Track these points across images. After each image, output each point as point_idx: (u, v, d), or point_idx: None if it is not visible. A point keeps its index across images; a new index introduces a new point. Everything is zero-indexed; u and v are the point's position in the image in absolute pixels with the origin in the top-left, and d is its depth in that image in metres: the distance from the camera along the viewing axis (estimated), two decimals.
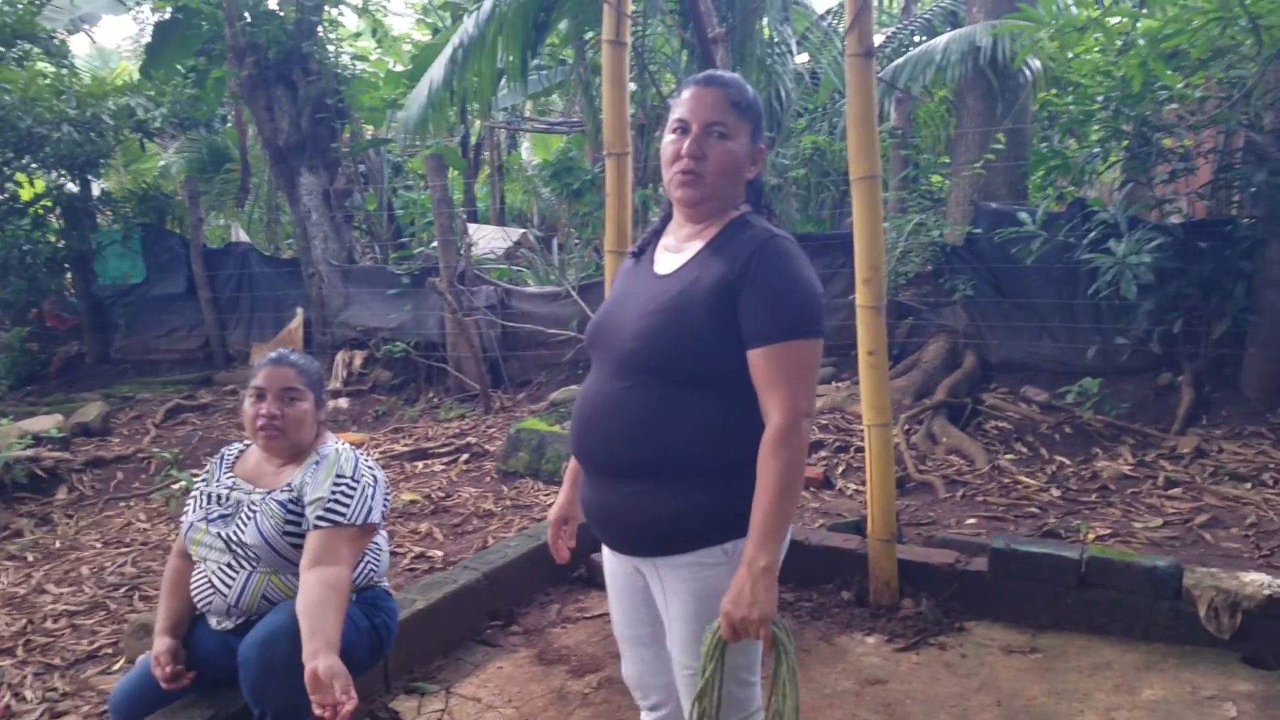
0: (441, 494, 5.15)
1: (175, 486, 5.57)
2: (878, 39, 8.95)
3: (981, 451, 5.00)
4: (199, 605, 2.43)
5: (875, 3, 9.11)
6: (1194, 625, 3.09)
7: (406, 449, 6.14)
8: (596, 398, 1.81)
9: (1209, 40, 4.53)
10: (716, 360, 1.69)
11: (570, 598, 3.75)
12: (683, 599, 1.74)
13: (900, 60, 7.09)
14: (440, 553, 4.23)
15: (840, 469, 5.00)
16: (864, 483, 3.50)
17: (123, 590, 4.09)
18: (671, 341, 1.70)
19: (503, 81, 7.92)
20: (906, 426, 5.32)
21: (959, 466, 4.92)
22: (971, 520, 4.22)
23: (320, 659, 2.02)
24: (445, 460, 5.92)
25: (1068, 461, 4.85)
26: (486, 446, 6.03)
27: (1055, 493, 4.49)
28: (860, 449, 5.04)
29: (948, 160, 7.00)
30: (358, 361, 8.09)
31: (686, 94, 1.78)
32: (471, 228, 9.25)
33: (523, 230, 10.80)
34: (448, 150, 9.50)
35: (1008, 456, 4.99)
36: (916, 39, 8.21)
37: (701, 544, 1.71)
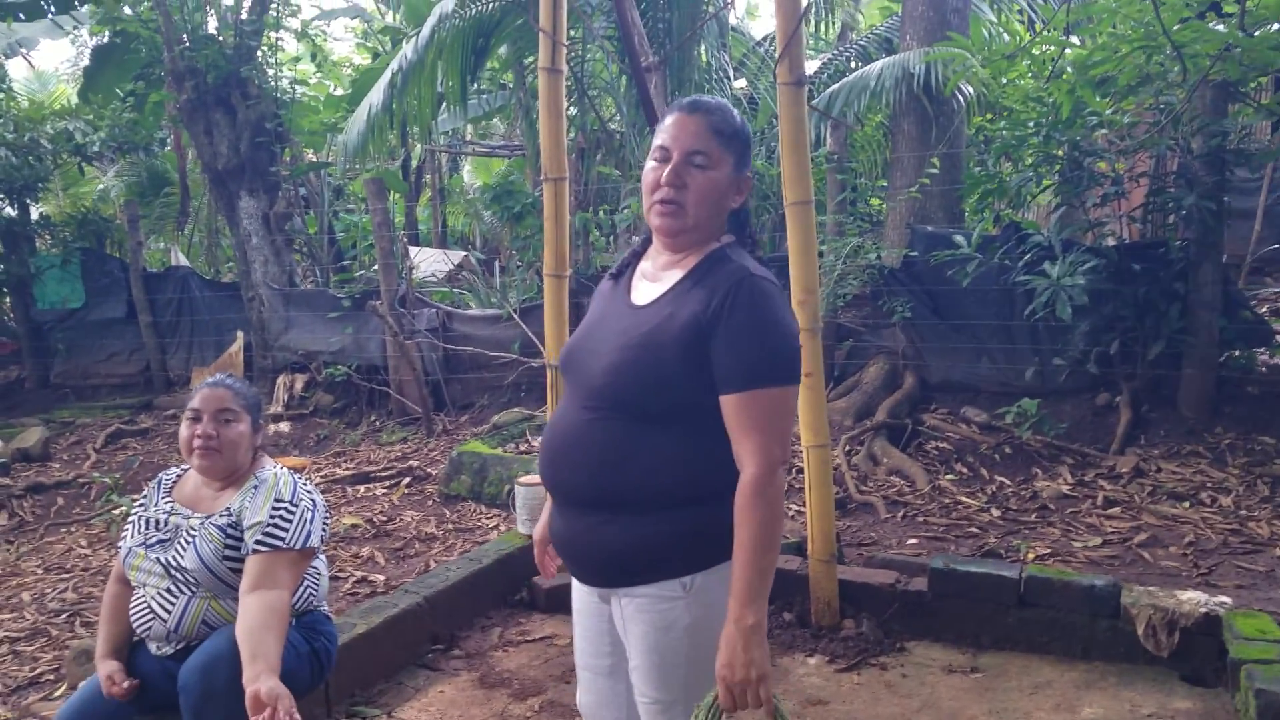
0: (384, 518, 5.10)
1: (116, 512, 5.48)
2: (814, 65, 9.12)
3: (922, 472, 5.07)
4: (138, 630, 2.42)
5: (811, 30, 9.28)
6: (1133, 644, 3.14)
7: (348, 473, 6.07)
8: (565, 426, 1.78)
9: (1136, 68, 4.66)
10: (683, 397, 1.66)
11: (512, 620, 3.74)
12: (641, 629, 1.72)
13: (836, 86, 7.22)
14: (382, 577, 4.19)
15: None
16: (804, 504, 3.54)
17: (64, 616, 4.03)
18: (639, 379, 1.67)
19: (443, 105, 7.92)
20: (848, 447, 5.38)
21: (900, 487, 4.98)
22: (913, 540, 4.26)
23: (262, 681, 2.01)
24: (387, 484, 5.87)
25: (1008, 481, 4.93)
26: (429, 470, 5.99)
27: (995, 513, 4.56)
28: (800, 470, 5.09)
29: (885, 184, 7.14)
30: (299, 385, 7.99)
31: (669, 120, 1.72)
32: (413, 250, 9.20)
33: (465, 253, 10.78)
34: (388, 174, 9.47)
35: (948, 477, 5.07)
36: (853, 65, 8.38)
37: (660, 576, 1.68)
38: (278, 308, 8.20)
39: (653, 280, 1.79)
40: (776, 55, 3.19)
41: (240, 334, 8.49)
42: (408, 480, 5.86)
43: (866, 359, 6.14)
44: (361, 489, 5.80)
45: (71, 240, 9.62)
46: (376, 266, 7.39)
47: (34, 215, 9.91)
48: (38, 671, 3.46)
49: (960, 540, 4.27)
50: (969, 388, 5.84)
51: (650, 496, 1.68)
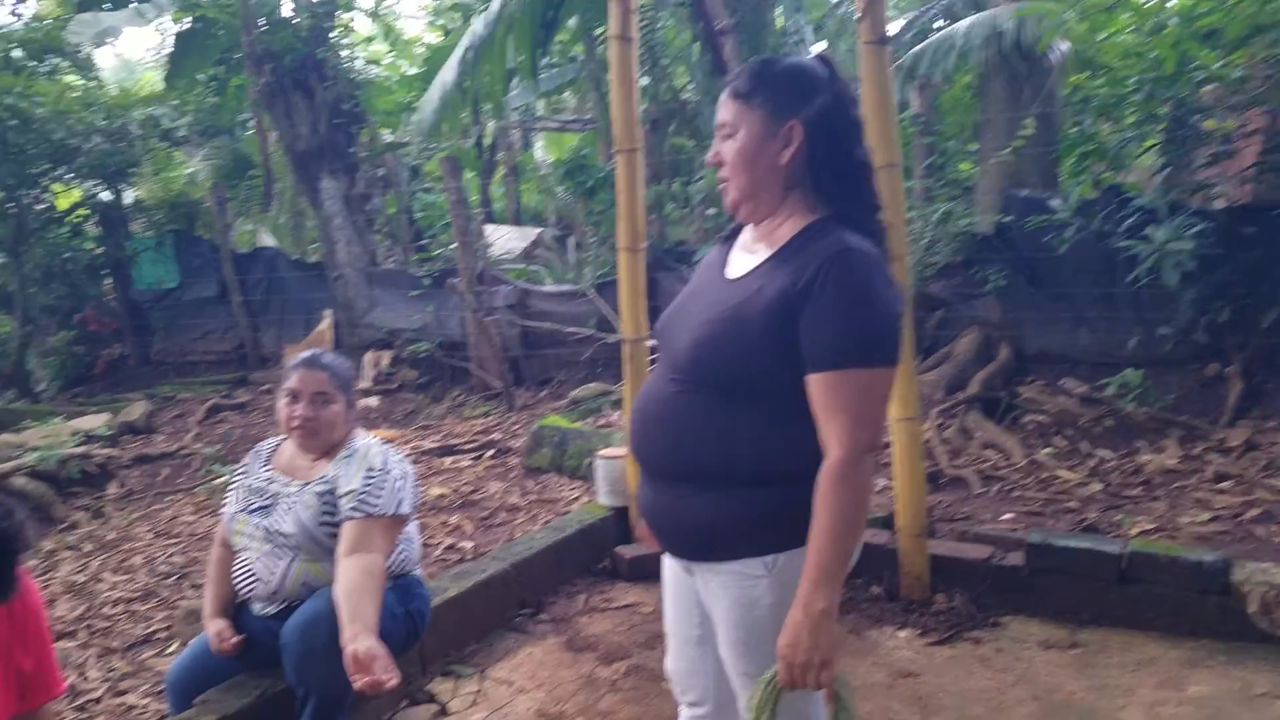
0: (469, 488, 5.18)
1: (217, 481, 5.71)
2: (897, 25, 8.85)
3: (1018, 445, 4.91)
4: (242, 592, 2.51)
5: None
6: (1244, 621, 3.00)
7: (434, 445, 6.19)
8: (652, 398, 1.76)
9: (1247, 18, 4.41)
10: (767, 375, 1.60)
11: (596, 589, 3.76)
12: (724, 605, 1.69)
13: (920, 46, 6.99)
14: (470, 544, 4.27)
15: None
16: (892, 478, 3.46)
17: (173, 578, 4.22)
18: (722, 354, 1.62)
19: (514, 81, 7.92)
20: (939, 421, 5.24)
21: (994, 461, 4.83)
22: (1007, 515, 4.13)
23: (360, 641, 2.07)
24: (471, 456, 5.96)
25: (1109, 455, 4.73)
26: (510, 443, 6.07)
27: (1096, 487, 4.38)
28: (888, 444, 4.99)
29: (974, 147, 6.89)
30: (385, 361, 8.17)
31: (720, 99, 1.71)
32: (489, 228, 9.28)
33: (539, 229, 10.83)
34: (463, 152, 9.55)
35: (1045, 451, 4.89)
36: (937, 24, 8.10)
37: (742, 554, 1.64)
38: (361, 287, 8.38)
39: (748, 252, 1.73)
40: (857, 15, 3.08)
41: (328, 312, 8.71)
42: (491, 453, 5.95)
43: (958, 330, 5.96)
44: (447, 461, 5.90)
45: (164, 223, 9.98)
46: (454, 245, 7.48)
47: (128, 199, 10.29)
48: (151, 629, 3.65)
49: (1058, 515, 4.12)
50: (1067, 359, 5.62)
51: (731, 472, 1.64)
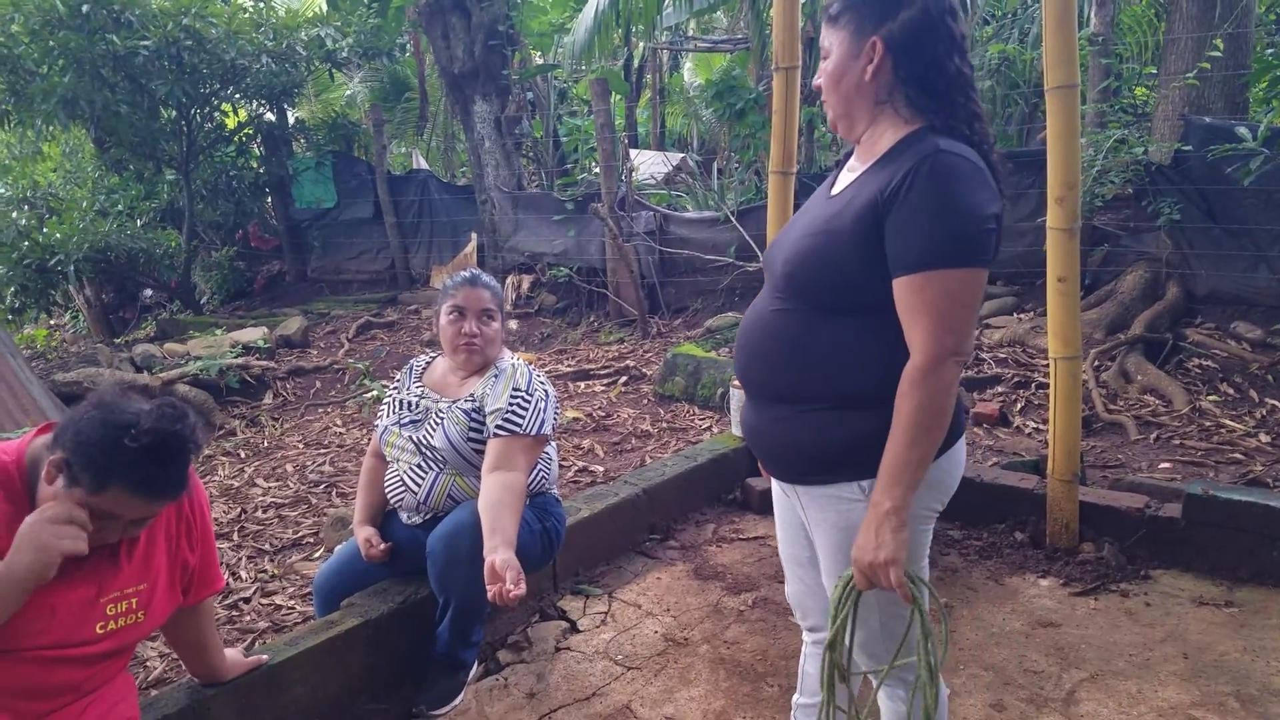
0: (602, 413, 5.27)
1: (367, 395, 5.98)
2: None
3: (1181, 391, 4.60)
4: (391, 501, 2.65)
5: None
6: None
7: (570, 369, 6.30)
8: (753, 318, 1.77)
9: None
10: (862, 289, 1.57)
11: (725, 519, 3.77)
12: (823, 529, 1.70)
13: None
14: (601, 468, 4.35)
15: (1019, 406, 4.73)
16: (1044, 421, 3.30)
17: (322, 487, 4.46)
18: (816, 268, 1.61)
19: (667, 0, 7.75)
20: (1096, 362, 4.96)
21: (1154, 407, 4.56)
22: (1165, 465, 3.92)
23: (498, 553, 2.15)
24: (605, 381, 6.05)
25: None
26: (644, 370, 6.11)
27: (1264, 438, 4.09)
28: (1042, 385, 4.75)
29: (1154, 70, 6.33)
30: (525, 285, 8.34)
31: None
32: (632, 152, 9.22)
33: (682, 155, 10.69)
34: (611, 74, 9.46)
35: (1211, 398, 4.57)
36: None
37: (839, 477, 1.64)
38: (507, 210, 8.52)
39: (850, 171, 1.71)
40: None
41: (474, 235, 8.92)
42: (624, 379, 6.02)
43: (1123, 266, 5.58)
44: (582, 385, 6.00)
45: (324, 144, 10.35)
46: (598, 169, 7.47)
47: (291, 120, 10.71)
48: (300, 535, 3.85)
49: (1221, 466, 3.87)
50: (1242, 300, 5.19)
51: (828, 393, 1.62)
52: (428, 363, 2.78)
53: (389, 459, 2.65)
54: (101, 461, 1.61)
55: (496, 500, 2.31)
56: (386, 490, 2.66)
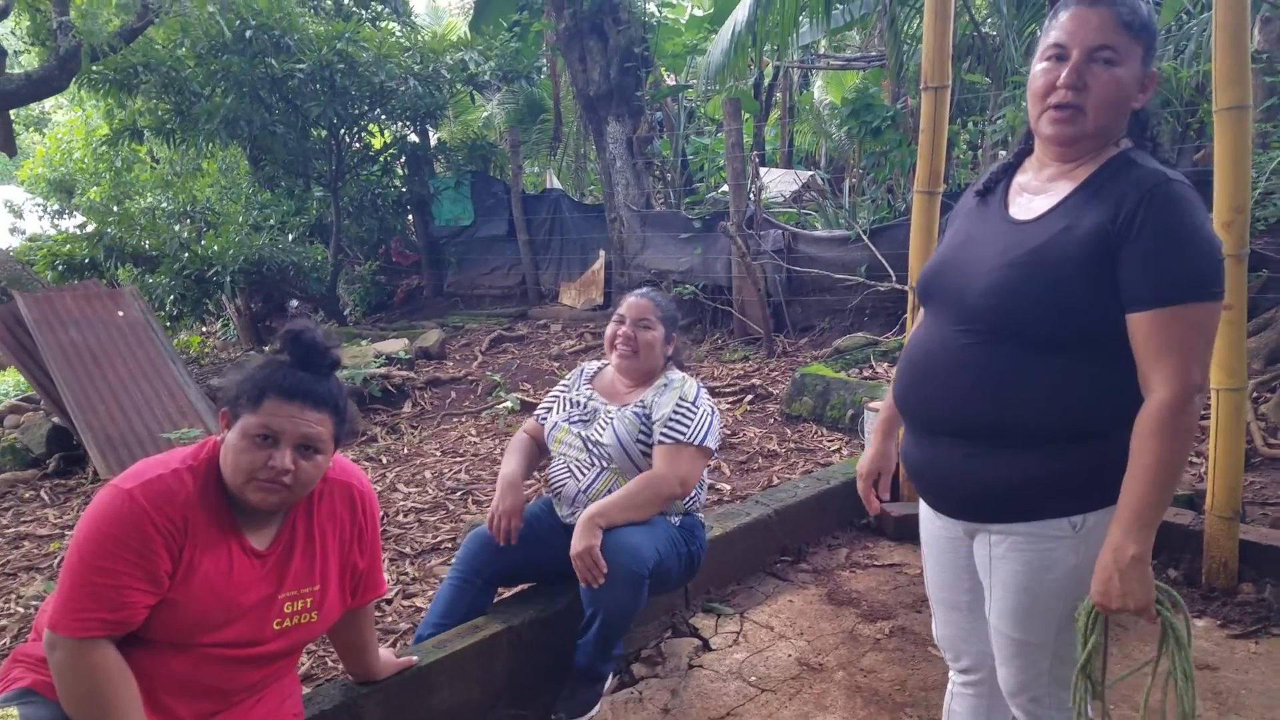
0: (727, 432, 5.28)
1: (500, 406, 6.16)
2: None
3: None
4: (553, 488, 2.78)
5: None
6: None
7: None
8: (934, 351, 1.67)
9: None
10: (1084, 322, 1.51)
11: (859, 544, 3.73)
12: (1013, 568, 1.62)
13: None
14: (728, 486, 4.37)
15: None
16: (1200, 454, 3.14)
17: (458, 494, 4.62)
18: (1032, 299, 1.53)
19: (803, 17, 7.74)
20: (1255, 394, 4.68)
21: None
22: None
23: (580, 530, 2.43)
24: (731, 400, 6.05)
25: None
26: (770, 389, 6.09)
27: None
28: (1204, 415, 4.51)
29: None
30: None
31: (1065, 15, 1.55)
32: (761, 171, 9.24)
33: (811, 172, 10.62)
34: (742, 94, 9.50)
35: None
36: None
37: (1045, 514, 1.58)
38: (635, 228, 8.65)
39: (1036, 194, 1.63)
40: None
41: (602, 253, 9.09)
42: (750, 398, 6.01)
43: None
44: None
45: (463, 164, 10.75)
46: (724, 188, 7.51)
47: (432, 141, 11.16)
48: (439, 539, 3.98)
49: None
50: None
51: (1038, 428, 1.55)
52: (599, 368, 2.92)
53: (555, 453, 2.78)
54: (254, 379, 1.76)
55: (629, 487, 2.49)
56: (550, 477, 2.78)
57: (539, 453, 2.92)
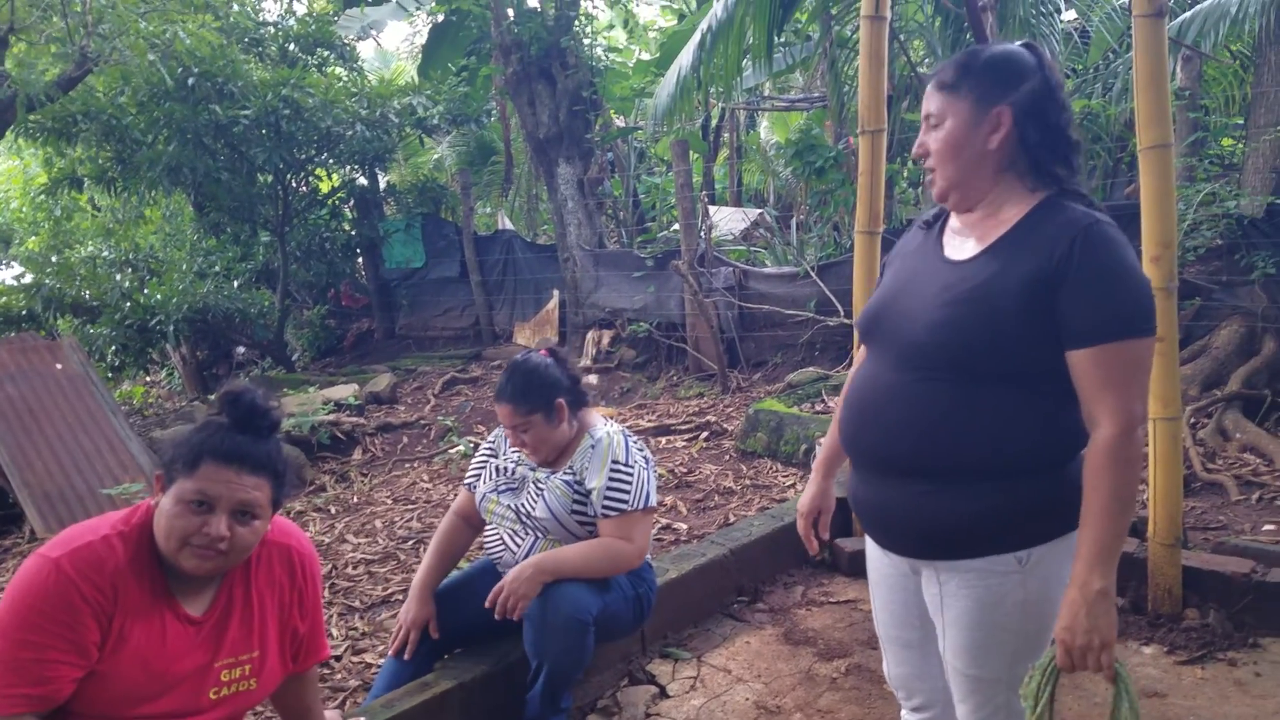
0: (684, 469, 5.27)
1: (453, 451, 6.09)
2: None
3: None
4: (491, 556, 2.68)
5: None
6: None
7: (650, 425, 6.34)
8: (878, 389, 1.71)
9: None
10: (1022, 359, 1.56)
11: (814, 581, 3.73)
12: (964, 605, 1.64)
13: (1188, 14, 6.36)
14: (685, 525, 4.35)
15: None
16: (1142, 481, 3.21)
17: (410, 543, 4.52)
18: (973, 336, 1.57)
19: (746, 61, 7.90)
20: (1193, 420, 4.81)
21: (1255, 466, 4.40)
22: (1269, 526, 3.78)
23: (523, 572, 2.34)
24: (686, 437, 6.06)
25: None
26: (725, 425, 6.11)
27: None
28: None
29: (1241, 122, 6.20)
30: (606, 340, 8.46)
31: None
32: (711, 209, 9.37)
33: (760, 210, 10.78)
34: (690, 135, 9.65)
35: None
36: None
37: (993, 550, 1.60)
38: (588, 268, 8.69)
39: (968, 236, 1.69)
40: None
41: (556, 292, 9.11)
42: (705, 434, 6.02)
43: (1217, 321, 5.42)
44: (663, 440, 6.03)
45: (413, 206, 10.74)
46: (676, 226, 7.59)
47: (382, 184, 11.14)
48: (389, 591, 3.87)
49: None
50: None
51: (983, 464, 1.58)
52: None
53: (490, 523, 2.68)
54: (190, 442, 1.72)
55: (585, 546, 2.44)
56: (486, 545, 2.68)
57: (469, 534, 2.77)
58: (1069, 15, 7.74)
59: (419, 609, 2.57)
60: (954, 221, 1.75)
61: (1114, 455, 1.48)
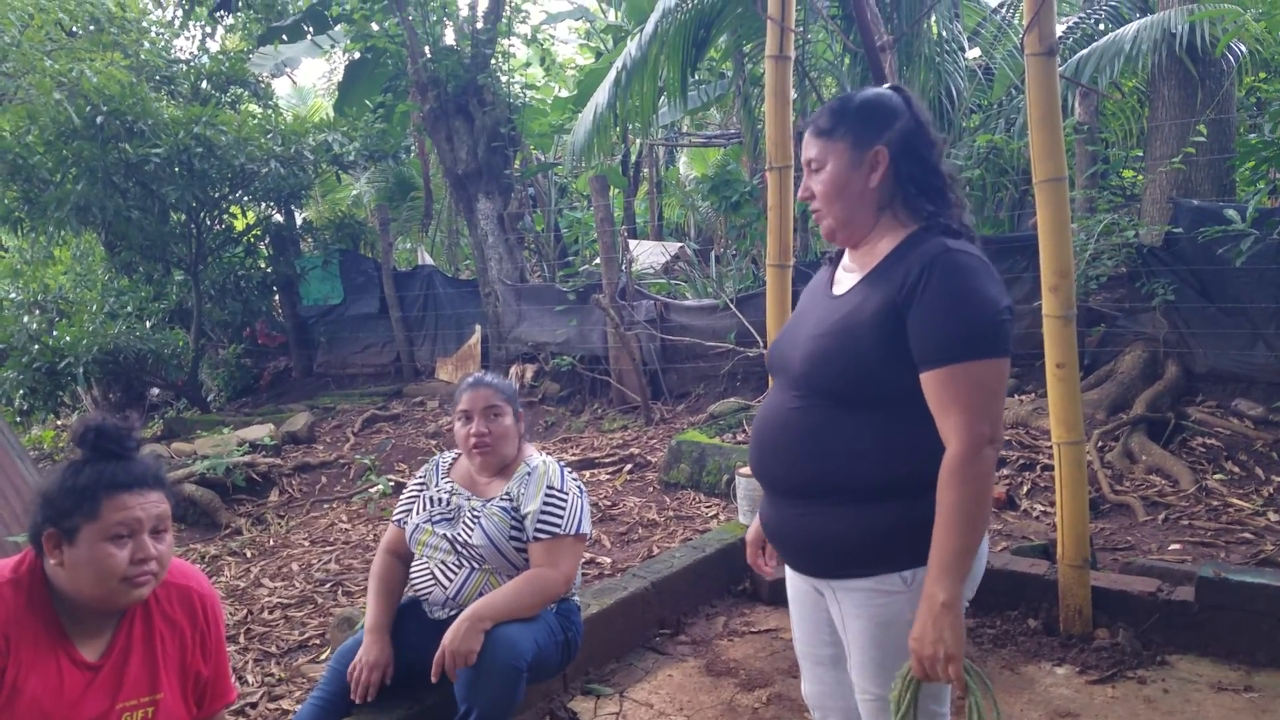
0: (608, 503, 5.25)
1: (373, 490, 5.96)
2: (1059, 29, 8.43)
3: (1186, 471, 4.60)
4: (418, 593, 2.60)
5: None
6: None
7: (574, 458, 6.30)
8: (771, 416, 1.80)
9: None
10: (885, 383, 1.64)
11: (736, 610, 3.73)
12: (860, 624, 1.70)
13: (1084, 51, 6.67)
14: (609, 559, 4.32)
15: (1025, 488, 4.72)
16: (1052, 503, 3.31)
17: (328, 585, 4.40)
18: (836, 365, 1.67)
19: (662, 99, 8.03)
20: (1100, 443, 4.97)
21: (1160, 487, 4.55)
22: (1175, 546, 3.90)
23: (463, 624, 2.31)
24: (610, 470, 6.04)
25: None
26: (649, 457, 6.11)
27: (1273, 516, 4.08)
28: (1047, 467, 4.75)
29: (1140, 154, 6.51)
30: (529, 374, 8.40)
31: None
32: (632, 244, 9.42)
33: (680, 244, 10.90)
34: (610, 170, 9.72)
35: (1217, 476, 4.57)
36: (1102, 27, 7.70)
37: (879, 569, 1.66)
38: (510, 302, 8.65)
39: (850, 271, 1.79)
40: (1023, 24, 2.97)
41: (478, 327, 9.03)
42: (629, 467, 6.01)
43: (1121, 346, 5.63)
44: (587, 474, 5.99)
45: (331, 243, 10.56)
46: (598, 261, 7.61)
47: (298, 221, 10.95)
48: (306, 636, 3.78)
49: (1231, 547, 3.85)
50: (1241, 378, 5.21)
51: (861, 485, 1.66)
52: (454, 459, 2.76)
53: (419, 555, 2.60)
54: (75, 488, 1.68)
55: (512, 585, 2.40)
56: (413, 581, 2.60)
57: (403, 570, 2.69)
58: (973, 53, 8.06)
59: (379, 651, 2.50)
60: (846, 258, 1.84)
61: (959, 473, 1.54)
